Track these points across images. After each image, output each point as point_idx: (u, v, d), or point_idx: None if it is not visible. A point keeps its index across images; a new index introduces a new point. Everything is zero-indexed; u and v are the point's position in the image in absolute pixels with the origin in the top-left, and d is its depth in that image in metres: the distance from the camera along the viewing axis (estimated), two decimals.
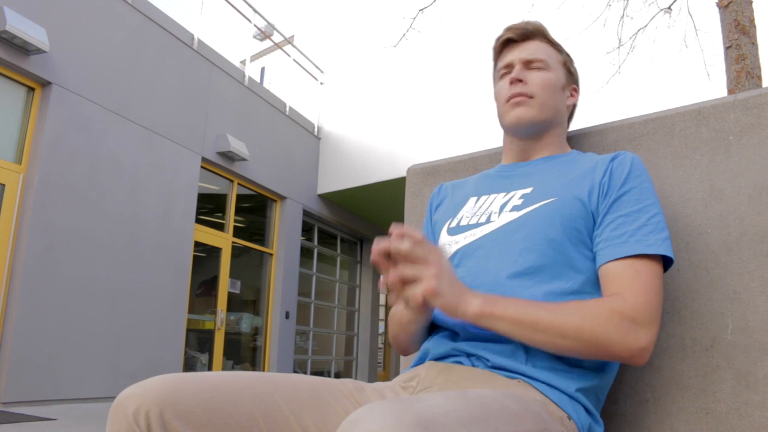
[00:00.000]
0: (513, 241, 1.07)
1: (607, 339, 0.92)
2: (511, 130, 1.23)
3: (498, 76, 1.27)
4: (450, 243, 1.17)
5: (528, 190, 1.14)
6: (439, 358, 1.07)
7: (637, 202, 1.03)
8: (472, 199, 1.23)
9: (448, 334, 1.08)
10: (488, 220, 1.13)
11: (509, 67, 1.24)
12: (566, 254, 1.04)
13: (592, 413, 1.01)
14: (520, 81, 1.19)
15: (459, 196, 1.27)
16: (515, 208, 1.12)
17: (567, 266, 1.04)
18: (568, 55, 1.27)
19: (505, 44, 1.26)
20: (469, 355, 1.03)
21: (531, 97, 1.18)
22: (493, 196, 1.19)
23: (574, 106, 1.28)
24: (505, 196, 1.16)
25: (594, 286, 1.04)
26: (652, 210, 1.03)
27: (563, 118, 1.25)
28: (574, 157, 1.19)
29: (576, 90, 1.28)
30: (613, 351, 0.93)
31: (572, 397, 0.98)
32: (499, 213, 1.13)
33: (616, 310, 0.94)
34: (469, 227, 1.16)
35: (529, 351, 0.99)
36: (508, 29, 1.25)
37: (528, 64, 1.21)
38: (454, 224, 1.20)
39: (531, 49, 1.22)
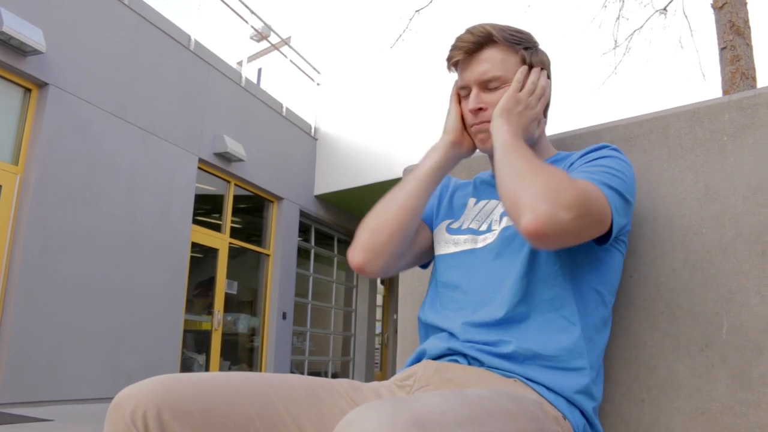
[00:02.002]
0: (512, 248, 1.08)
1: (539, 187, 0.93)
2: (485, 154, 1.22)
3: (462, 95, 1.21)
4: (448, 242, 1.19)
5: None
6: (436, 358, 1.07)
7: (592, 164, 1.05)
8: (472, 200, 1.24)
9: (445, 336, 1.08)
10: (489, 228, 1.14)
11: (466, 88, 1.17)
12: (561, 255, 1.05)
13: (588, 416, 1.01)
14: (480, 109, 1.14)
15: (459, 197, 1.28)
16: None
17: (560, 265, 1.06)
18: (526, 47, 1.16)
19: (456, 64, 1.19)
20: (465, 356, 1.03)
21: None
22: (494, 202, 1.19)
23: (546, 102, 1.22)
24: (498, 201, 1.17)
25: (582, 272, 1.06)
26: (608, 170, 1.03)
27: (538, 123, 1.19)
28: (559, 158, 1.18)
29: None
30: (528, 198, 0.92)
31: (568, 398, 0.98)
32: (500, 221, 1.13)
33: (566, 180, 0.94)
34: (470, 231, 1.16)
35: (525, 358, 1.00)
36: (455, 48, 1.16)
37: (484, 86, 1.14)
38: (455, 225, 1.21)
39: (484, 66, 1.13)
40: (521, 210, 0.92)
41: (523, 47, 1.15)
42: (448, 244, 1.18)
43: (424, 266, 1.34)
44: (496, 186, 1.21)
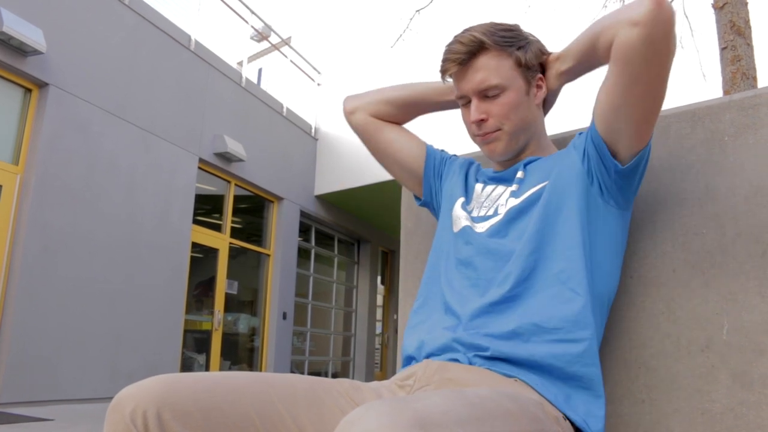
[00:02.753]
0: (519, 226, 1.11)
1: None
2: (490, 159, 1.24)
3: (461, 103, 1.21)
4: (460, 217, 1.21)
5: (523, 178, 1.18)
6: (436, 352, 1.07)
7: None
8: (479, 186, 1.26)
9: (449, 327, 1.08)
10: (495, 213, 1.16)
11: (464, 98, 1.18)
12: (570, 229, 1.07)
13: (592, 384, 1.01)
14: (483, 120, 1.15)
15: (471, 174, 1.30)
16: (513, 194, 1.16)
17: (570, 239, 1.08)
18: (519, 47, 1.15)
19: (450, 75, 1.19)
20: (466, 350, 1.03)
21: (498, 129, 1.16)
22: (500, 188, 1.21)
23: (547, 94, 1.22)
24: (506, 188, 1.20)
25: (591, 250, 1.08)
26: None
27: (539, 122, 1.21)
28: (558, 152, 1.20)
29: (542, 78, 1.20)
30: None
31: (568, 395, 0.98)
32: (506, 204, 1.16)
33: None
34: (480, 219, 1.18)
35: (531, 333, 1.01)
36: (447, 60, 1.15)
37: (483, 94, 1.14)
38: (470, 208, 1.23)
39: (480, 74, 1.13)
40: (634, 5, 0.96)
41: (515, 48, 1.15)
42: (460, 219, 1.21)
43: (419, 201, 1.41)
44: (499, 179, 1.23)
